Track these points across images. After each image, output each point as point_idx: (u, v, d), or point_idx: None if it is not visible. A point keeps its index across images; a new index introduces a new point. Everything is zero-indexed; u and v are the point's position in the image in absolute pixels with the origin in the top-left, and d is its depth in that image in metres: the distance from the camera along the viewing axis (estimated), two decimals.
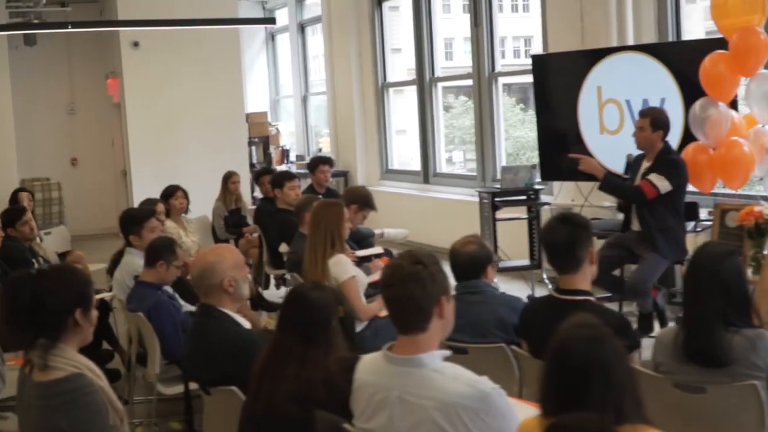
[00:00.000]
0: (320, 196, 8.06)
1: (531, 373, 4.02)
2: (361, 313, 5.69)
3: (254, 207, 10.00)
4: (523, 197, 8.82)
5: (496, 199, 8.72)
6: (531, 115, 18.87)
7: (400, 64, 13.61)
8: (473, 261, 4.54)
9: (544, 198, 9.02)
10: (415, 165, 12.67)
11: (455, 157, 15.88)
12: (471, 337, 4.38)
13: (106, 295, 6.61)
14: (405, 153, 13.46)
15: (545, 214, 8.98)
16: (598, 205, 8.74)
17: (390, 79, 13.12)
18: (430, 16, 12.10)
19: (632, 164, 6.77)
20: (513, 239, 9.08)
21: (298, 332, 3.56)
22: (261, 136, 14.52)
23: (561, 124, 8.51)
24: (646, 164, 6.56)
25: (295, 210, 6.98)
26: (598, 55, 8.19)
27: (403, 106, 13.43)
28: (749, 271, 5.79)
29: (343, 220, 5.90)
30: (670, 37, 8.56)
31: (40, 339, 3.16)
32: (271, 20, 14.38)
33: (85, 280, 3.28)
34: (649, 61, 7.74)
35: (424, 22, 12.11)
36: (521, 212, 9.02)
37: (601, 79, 8.11)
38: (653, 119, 6.48)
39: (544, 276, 8.85)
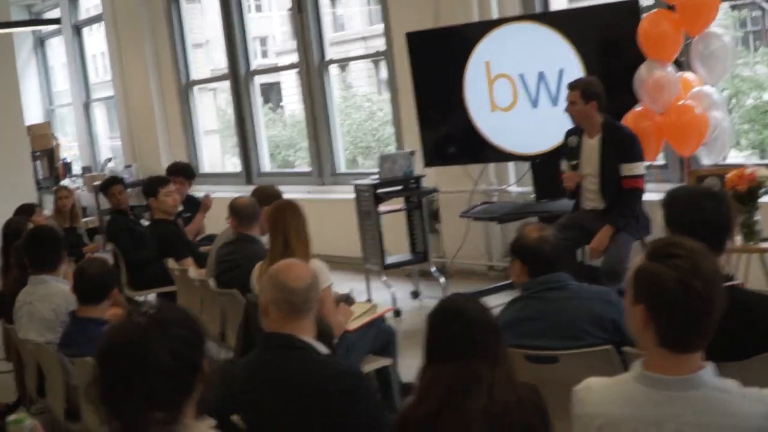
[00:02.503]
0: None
1: None
2: (335, 328, 4.89)
3: (99, 223, 8.82)
4: (408, 186, 8.15)
5: (378, 191, 7.99)
6: (280, 114, 18.61)
7: (204, 61, 12.57)
8: (555, 251, 3.87)
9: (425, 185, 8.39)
10: (231, 167, 11.73)
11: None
12: (560, 341, 3.71)
13: None
14: (215, 155, 12.46)
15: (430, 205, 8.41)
16: (487, 189, 8.27)
17: (194, 76, 12.06)
18: (240, 6, 11.18)
19: (568, 144, 6.26)
20: (391, 233, 8.38)
21: (487, 354, 2.78)
22: (44, 149, 13.09)
23: (444, 105, 7.92)
24: (590, 141, 6.11)
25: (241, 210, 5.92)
26: (484, 27, 7.67)
27: (208, 105, 12.41)
28: (739, 238, 5.45)
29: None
30: (537, 8, 8.20)
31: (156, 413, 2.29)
32: (56, 21, 12.92)
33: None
34: (543, 31, 7.29)
35: (234, 14, 11.18)
36: (399, 204, 8.35)
37: (489, 53, 7.58)
38: (583, 90, 6.07)
39: (432, 269, 8.23)
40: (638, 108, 6.48)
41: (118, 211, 8.05)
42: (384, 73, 19.14)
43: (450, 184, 8.42)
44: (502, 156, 7.79)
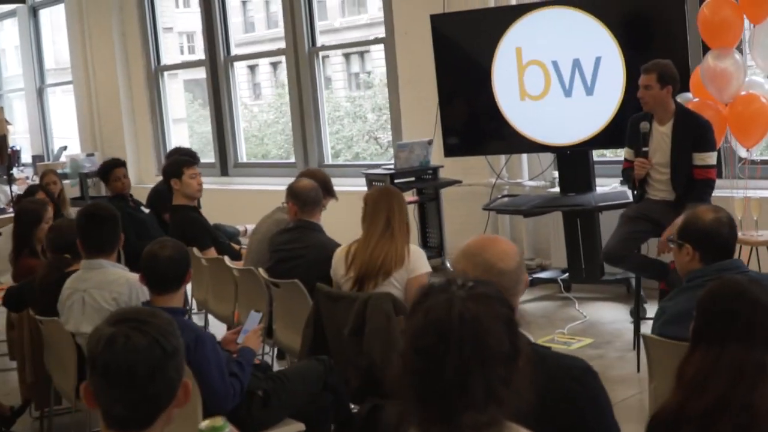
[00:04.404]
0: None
1: None
2: None
3: None
4: (427, 176, 7.77)
5: (396, 181, 7.58)
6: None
7: (173, 45, 11.97)
8: (734, 235, 3.53)
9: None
10: (203, 157, 11.14)
11: None
12: None
13: None
14: (183, 143, 11.82)
15: (449, 195, 8.03)
16: (514, 182, 7.92)
17: (164, 61, 11.46)
18: None
19: (634, 129, 5.92)
20: None
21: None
22: None
23: (470, 92, 7.55)
24: (661, 128, 5.80)
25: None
26: (517, 11, 7.34)
27: (177, 92, 11.82)
28: None
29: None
30: None
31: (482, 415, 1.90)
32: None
33: None
34: (580, 17, 6.99)
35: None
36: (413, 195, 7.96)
37: (520, 39, 7.24)
38: (660, 73, 5.72)
39: (447, 264, 7.86)
40: (694, 99, 6.21)
41: (118, 196, 7.45)
42: (355, 67, 18.87)
43: (467, 175, 8.03)
44: (530, 146, 7.45)
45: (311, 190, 5.31)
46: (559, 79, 7.13)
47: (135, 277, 4.39)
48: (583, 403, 2.65)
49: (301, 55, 9.83)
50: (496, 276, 2.84)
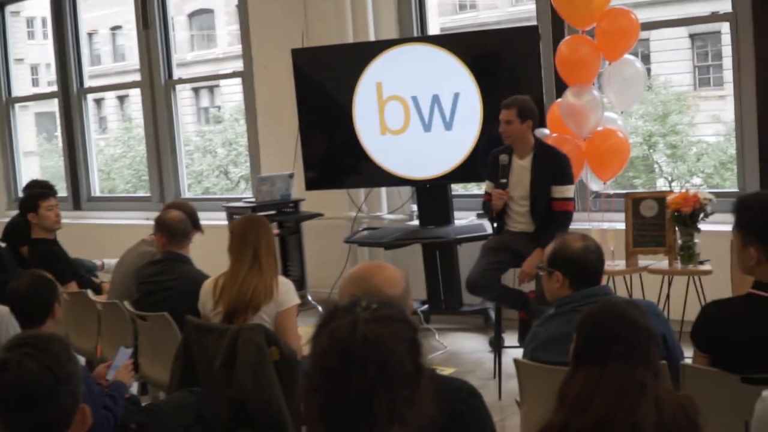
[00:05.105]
0: None
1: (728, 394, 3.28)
2: (298, 353, 4.52)
3: None
4: (288, 209, 7.79)
5: (257, 214, 7.55)
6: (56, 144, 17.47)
7: (24, 77, 11.64)
8: (601, 262, 3.69)
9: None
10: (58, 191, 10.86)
11: None
12: None
13: None
14: (35, 177, 11.49)
15: (310, 228, 8.06)
16: (374, 215, 8.01)
17: (16, 93, 11.14)
18: (76, 19, 10.43)
19: (495, 163, 6.10)
20: None
21: (650, 363, 2.55)
22: None
23: (331, 126, 7.64)
24: (521, 162, 5.99)
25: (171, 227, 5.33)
26: (377, 48, 7.46)
27: (28, 125, 11.50)
28: (678, 261, 5.50)
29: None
30: (415, 32, 8.09)
31: None
32: None
33: None
34: (439, 53, 7.17)
35: (69, 26, 10.40)
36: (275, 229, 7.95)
37: (381, 74, 7.38)
38: (520, 108, 5.92)
39: (309, 297, 7.90)
40: (553, 135, 6.44)
41: None
42: (205, 101, 18.74)
43: (328, 209, 8.08)
44: (390, 180, 7.57)
45: (180, 222, 5.27)
46: (419, 114, 7.29)
47: (5, 309, 4.27)
48: (468, 423, 2.73)
49: (157, 87, 9.74)
50: (385, 301, 2.90)
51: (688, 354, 3.58)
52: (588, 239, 3.72)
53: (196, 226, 5.72)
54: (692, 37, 14.41)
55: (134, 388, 5.71)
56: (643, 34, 13.06)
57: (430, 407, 2.02)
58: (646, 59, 13.78)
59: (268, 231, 4.60)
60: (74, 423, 2.12)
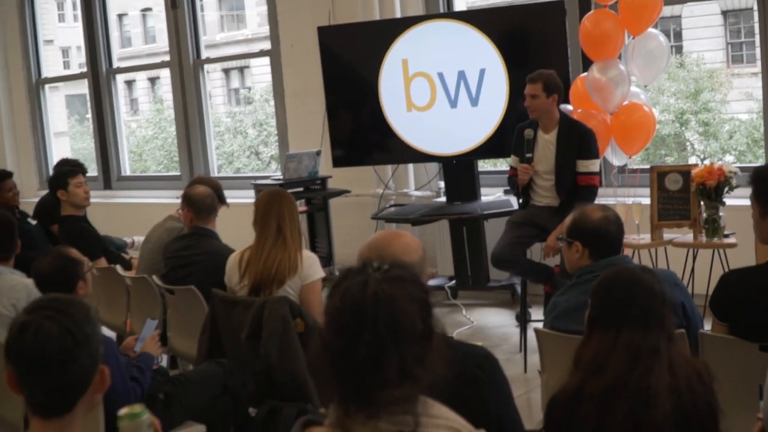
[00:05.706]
0: None
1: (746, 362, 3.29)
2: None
3: None
4: (316, 186, 7.84)
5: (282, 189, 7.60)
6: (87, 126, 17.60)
7: (54, 59, 11.75)
8: (621, 231, 3.71)
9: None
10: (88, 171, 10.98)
11: None
12: None
13: None
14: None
15: (338, 205, 8.11)
16: (401, 192, 8.04)
17: (46, 74, 11.26)
18: (104, 0, 10.52)
19: (520, 137, 6.09)
20: None
21: (664, 327, 2.57)
22: None
23: (357, 103, 7.66)
24: (546, 136, 5.99)
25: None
26: (403, 24, 7.46)
27: (59, 106, 11.61)
28: (703, 235, 5.49)
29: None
30: (441, 9, 8.09)
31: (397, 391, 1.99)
32: None
33: None
34: (464, 30, 7.16)
35: (98, 8, 10.49)
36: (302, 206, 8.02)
37: (406, 51, 7.38)
38: (546, 83, 5.89)
39: (337, 273, 7.93)
40: (577, 110, 6.43)
41: (5, 208, 7.29)
42: (235, 82, 18.80)
43: (355, 186, 8.12)
44: (417, 156, 7.58)
45: (207, 197, 5.33)
46: (445, 90, 7.29)
47: (30, 281, 4.36)
48: (485, 388, 2.77)
49: (185, 67, 9.80)
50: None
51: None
52: (607, 209, 3.74)
53: (221, 200, 5.78)
54: (724, 13, 14.25)
55: (164, 362, 5.82)
56: (675, 11, 13.06)
57: (442, 367, 2.05)
58: (678, 36, 13.68)
59: (291, 204, 4.64)
60: (93, 383, 2.17)
